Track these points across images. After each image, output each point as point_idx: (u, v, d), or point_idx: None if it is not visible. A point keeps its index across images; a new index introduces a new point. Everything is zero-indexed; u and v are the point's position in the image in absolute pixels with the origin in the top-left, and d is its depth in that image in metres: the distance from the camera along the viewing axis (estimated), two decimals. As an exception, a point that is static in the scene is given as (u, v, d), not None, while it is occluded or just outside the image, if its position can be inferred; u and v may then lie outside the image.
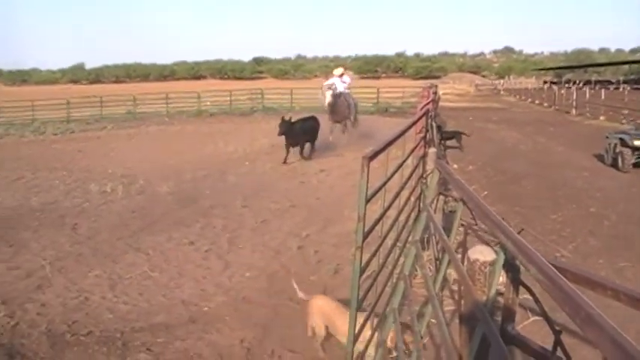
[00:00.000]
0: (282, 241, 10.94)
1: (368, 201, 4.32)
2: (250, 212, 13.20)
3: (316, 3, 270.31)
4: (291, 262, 9.67)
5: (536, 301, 2.90)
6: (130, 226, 12.32)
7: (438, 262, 7.55)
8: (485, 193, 13.07)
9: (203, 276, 9.18)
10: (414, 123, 8.00)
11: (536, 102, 53.42)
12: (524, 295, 3.28)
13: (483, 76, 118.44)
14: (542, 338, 3.26)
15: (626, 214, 12.08)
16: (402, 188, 6.39)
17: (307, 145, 20.65)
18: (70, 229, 12.27)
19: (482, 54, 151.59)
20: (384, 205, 5.42)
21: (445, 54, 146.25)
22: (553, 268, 2.14)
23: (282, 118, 19.83)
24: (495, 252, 3.11)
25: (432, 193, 6.23)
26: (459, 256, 4.95)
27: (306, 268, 9.36)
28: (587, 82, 62.83)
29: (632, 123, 23.50)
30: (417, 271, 7.34)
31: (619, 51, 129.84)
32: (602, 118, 34.10)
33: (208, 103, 46.13)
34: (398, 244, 6.47)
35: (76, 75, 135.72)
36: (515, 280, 3.03)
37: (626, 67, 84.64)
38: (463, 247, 5.64)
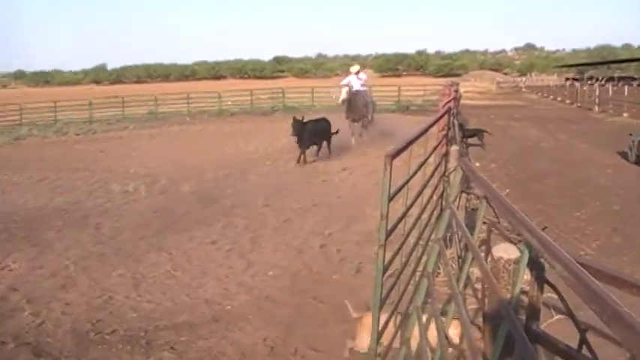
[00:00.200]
0: (304, 240, 10.95)
1: (391, 199, 4.31)
2: (272, 211, 13.22)
3: (336, 2, 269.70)
4: (314, 261, 9.67)
5: (562, 299, 2.89)
6: (152, 225, 12.38)
7: (460, 260, 7.52)
8: (507, 191, 12.98)
9: (226, 275, 9.19)
10: (436, 121, 7.98)
11: (558, 99, 52.99)
12: (547, 294, 3.27)
13: (505, 74, 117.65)
14: (566, 337, 3.23)
15: (651, 212, 11.97)
16: (424, 186, 6.36)
17: (324, 145, 20.57)
18: (94, 228, 12.35)
19: (503, 51, 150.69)
20: (406, 203, 5.41)
21: (466, 51, 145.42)
22: (579, 266, 2.13)
23: (294, 118, 19.66)
24: (520, 250, 3.10)
25: (454, 190, 6.21)
26: (482, 254, 4.93)
27: (328, 267, 9.36)
28: (610, 79, 62.16)
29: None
30: (439, 269, 7.32)
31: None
32: (625, 115, 33.59)
33: (229, 103, 46.14)
34: (420, 242, 6.45)
35: (98, 76, 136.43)
36: (540, 278, 3.02)
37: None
38: (486, 245, 5.62)
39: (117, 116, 41.86)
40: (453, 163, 7.26)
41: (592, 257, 8.95)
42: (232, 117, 41.48)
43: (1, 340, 7.11)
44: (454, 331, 5.16)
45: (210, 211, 13.49)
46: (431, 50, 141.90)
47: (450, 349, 4.60)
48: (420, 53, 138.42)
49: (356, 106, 23.22)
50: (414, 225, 5.98)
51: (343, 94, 23.13)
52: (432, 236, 6.58)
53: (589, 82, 59.60)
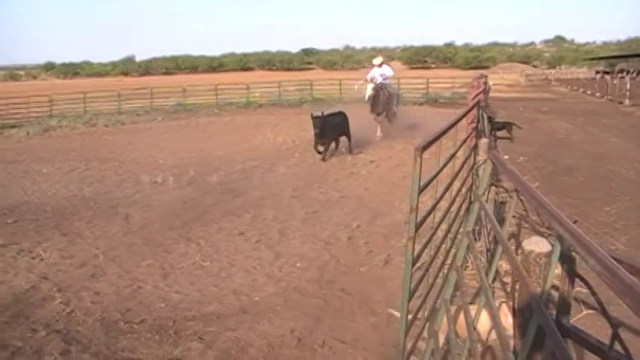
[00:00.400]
0: (332, 231, 10.95)
1: (420, 192, 4.30)
2: (300, 203, 13.24)
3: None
4: (341, 253, 9.67)
5: (593, 293, 2.88)
6: (181, 216, 12.44)
7: (489, 254, 7.50)
8: (537, 184, 12.90)
9: (253, 266, 9.22)
10: (466, 113, 7.94)
11: (588, 92, 52.48)
12: (577, 288, 3.25)
13: (534, 66, 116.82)
14: (596, 332, 3.21)
15: (682, 207, 11.85)
16: (453, 179, 6.34)
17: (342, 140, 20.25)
18: (123, 219, 12.44)
19: (532, 43, 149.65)
20: (435, 195, 5.40)
21: (495, 44, 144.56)
22: (612, 260, 2.12)
23: (312, 115, 19.01)
24: (551, 243, 3.08)
25: (484, 183, 6.18)
26: (512, 247, 4.91)
27: (356, 259, 9.36)
28: (641, 72, 61.63)
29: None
30: (467, 262, 7.30)
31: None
32: (656, 108, 33.28)
33: (257, 95, 46.19)
34: (449, 234, 6.43)
35: (127, 67, 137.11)
36: (571, 272, 3.01)
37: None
38: (516, 238, 5.60)
39: (145, 108, 42.03)
40: (482, 155, 7.23)
41: (622, 251, 8.89)
42: (260, 109, 41.58)
43: (32, 327, 7.21)
44: (483, 324, 5.15)
45: (238, 202, 13.54)
46: (459, 42, 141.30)
47: (479, 342, 4.60)
48: (449, 45, 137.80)
49: (379, 99, 22.85)
50: (443, 218, 5.97)
51: (369, 91, 22.90)
52: (461, 229, 6.56)
53: (620, 75, 58.90)
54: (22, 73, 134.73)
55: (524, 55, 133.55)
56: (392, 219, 11.38)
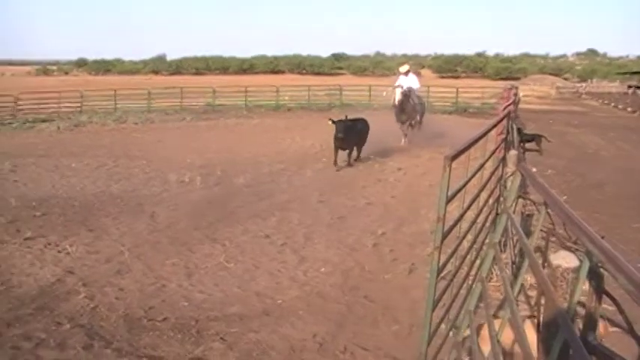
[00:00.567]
0: (357, 238, 10.95)
1: (448, 201, 4.29)
2: (326, 208, 13.25)
3: (396, 0, 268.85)
4: (366, 260, 9.67)
5: (621, 311, 2.86)
6: (207, 216, 12.48)
7: (514, 266, 7.46)
8: (565, 197, 12.82)
9: (278, 269, 9.25)
10: (496, 124, 7.92)
11: (620, 107, 52.04)
12: (603, 305, 3.23)
13: (565, 79, 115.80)
14: (622, 351, 3.19)
15: None
16: (481, 189, 6.33)
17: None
18: (149, 217, 12.51)
19: (564, 56, 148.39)
20: (462, 206, 5.39)
21: (526, 55, 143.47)
22: (643, 278, 2.10)
23: (332, 120, 18.51)
24: (579, 259, 3.07)
25: (512, 195, 6.16)
26: (538, 261, 4.88)
27: (380, 266, 9.36)
28: (675, 88, 61.02)
29: None
30: (492, 274, 7.28)
31: None
32: (689, 126, 32.92)
33: (287, 98, 46.14)
34: (475, 245, 6.42)
35: (157, 66, 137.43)
36: (599, 289, 2.99)
37: None
38: (542, 252, 5.57)
39: (175, 107, 42.07)
40: (511, 167, 7.20)
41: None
42: (289, 112, 41.54)
43: (56, 320, 7.28)
44: (506, 337, 5.12)
45: (264, 204, 13.56)
46: (490, 52, 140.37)
47: (502, 355, 4.57)
48: (480, 55, 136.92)
49: (405, 107, 22.75)
50: (469, 228, 5.96)
51: (398, 95, 22.71)
52: (487, 240, 6.54)
53: (652, 90, 58.39)
54: (54, 68, 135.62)
55: (555, 67, 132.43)
56: (418, 227, 11.37)
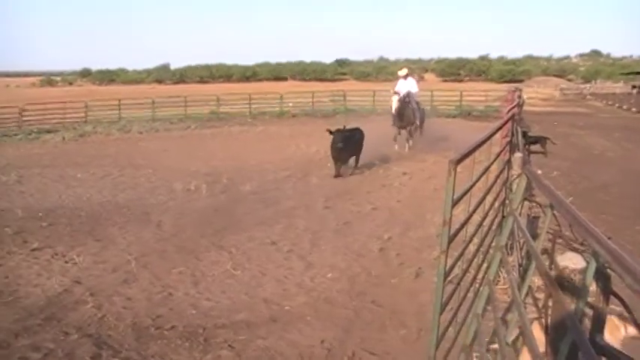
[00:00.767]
0: (363, 243, 10.96)
1: (454, 205, 4.29)
2: (332, 214, 13.26)
3: (398, 5, 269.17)
4: (373, 265, 9.68)
5: (629, 311, 2.86)
6: (213, 224, 12.50)
7: (521, 269, 7.46)
8: (571, 199, 12.79)
9: (285, 276, 9.26)
10: (500, 127, 7.92)
11: (624, 107, 51.91)
12: (611, 305, 3.22)
13: (569, 80, 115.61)
14: (630, 352, 3.18)
15: None
16: (487, 193, 6.32)
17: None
18: (155, 225, 12.53)
19: (567, 57, 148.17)
20: (468, 209, 5.40)
21: (529, 57, 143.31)
22: (650, 278, 2.10)
23: (329, 130, 18.00)
24: (586, 260, 3.07)
25: (518, 198, 6.15)
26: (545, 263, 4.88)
27: (387, 271, 9.36)
28: (680, 88, 60.85)
29: None
30: (499, 277, 7.27)
31: None
32: (694, 125, 32.81)
33: (290, 105, 46.13)
34: (481, 248, 6.41)
35: (161, 75, 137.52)
36: (606, 289, 2.98)
37: None
38: (549, 254, 5.56)
39: (179, 115, 42.14)
40: (516, 170, 7.20)
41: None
42: (293, 119, 41.55)
43: (64, 330, 7.31)
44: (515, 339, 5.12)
45: (270, 211, 13.58)
46: (493, 55, 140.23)
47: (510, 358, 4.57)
48: (483, 58, 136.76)
49: (403, 113, 22.41)
50: (475, 231, 5.96)
51: (395, 103, 22.35)
52: (493, 243, 6.54)
53: (657, 90, 58.28)
54: (58, 79, 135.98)
55: (559, 68, 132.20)
56: (424, 231, 11.37)
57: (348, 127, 18.97)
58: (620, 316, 3.56)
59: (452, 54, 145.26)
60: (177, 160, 22.50)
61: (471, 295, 5.98)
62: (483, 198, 6.13)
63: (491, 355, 5.13)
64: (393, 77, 23.01)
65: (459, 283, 5.40)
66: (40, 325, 7.46)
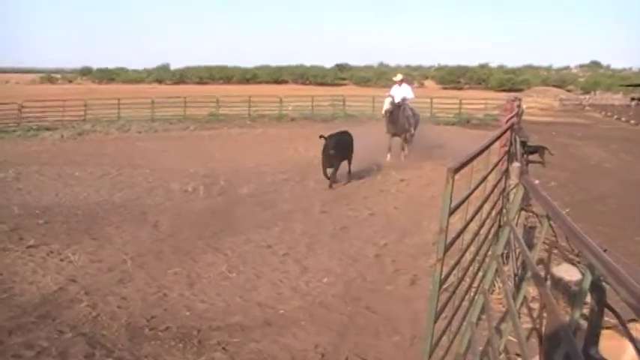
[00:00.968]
0: (359, 248, 10.95)
1: (451, 214, 4.29)
2: (329, 218, 13.26)
3: (400, 11, 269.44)
4: (368, 271, 9.67)
5: (623, 325, 2.86)
6: (210, 226, 12.50)
7: (516, 278, 7.47)
8: (567, 210, 12.79)
9: (280, 279, 9.25)
10: (499, 136, 7.93)
11: (623, 119, 52.10)
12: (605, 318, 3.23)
13: (568, 91, 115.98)
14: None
15: None
16: (484, 201, 6.33)
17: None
18: (152, 226, 12.53)
19: (567, 68, 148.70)
20: (465, 218, 5.40)
21: (529, 67, 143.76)
22: (644, 292, 2.11)
23: (322, 136, 17.55)
24: (581, 272, 3.07)
25: (515, 208, 6.16)
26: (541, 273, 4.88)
27: (382, 277, 9.35)
28: (678, 100, 61.00)
29: None
30: (495, 286, 7.27)
31: None
32: (693, 138, 32.88)
33: (290, 108, 46.19)
34: (477, 257, 6.42)
35: (161, 75, 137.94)
36: (601, 302, 2.99)
37: None
38: (545, 264, 5.57)
39: (178, 116, 42.19)
40: (513, 179, 7.22)
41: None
42: (292, 122, 41.58)
43: (58, 329, 7.28)
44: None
45: (267, 214, 13.58)
46: (494, 64, 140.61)
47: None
48: (483, 66, 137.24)
49: (396, 119, 21.90)
50: (472, 240, 5.97)
51: (386, 105, 21.83)
52: (489, 252, 6.55)
53: (656, 102, 58.37)
54: (58, 76, 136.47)
55: (558, 79, 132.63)
56: (420, 238, 11.36)
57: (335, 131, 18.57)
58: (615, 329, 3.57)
59: (452, 62, 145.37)
60: (175, 160, 22.52)
61: (465, 303, 5.98)
62: (480, 207, 6.14)
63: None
64: (393, 83, 22.68)
65: (454, 292, 5.40)
66: (35, 322, 7.44)
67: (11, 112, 37.50)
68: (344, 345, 6.97)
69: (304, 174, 18.86)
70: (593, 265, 2.74)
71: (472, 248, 6.13)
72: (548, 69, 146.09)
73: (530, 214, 8.64)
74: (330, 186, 17.18)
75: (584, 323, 3.19)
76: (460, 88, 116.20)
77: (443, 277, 4.50)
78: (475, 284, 6.29)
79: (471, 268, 6.15)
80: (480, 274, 6.32)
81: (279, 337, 7.20)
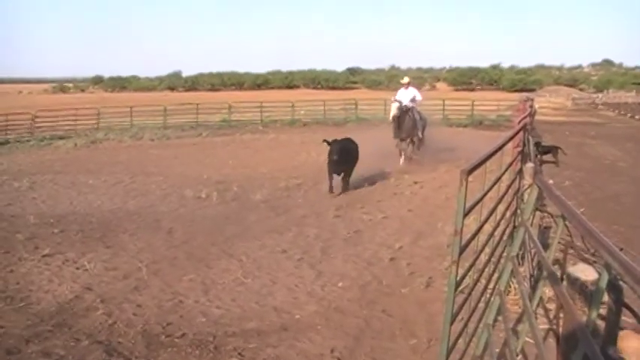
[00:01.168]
0: (374, 252, 10.92)
1: (465, 215, 4.28)
2: (343, 222, 13.23)
3: (410, 14, 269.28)
4: (383, 274, 9.63)
5: (641, 323, 2.84)
6: (224, 232, 12.51)
7: (532, 279, 7.43)
8: (582, 209, 12.72)
9: (295, 284, 9.24)
10: (512, 137, 7.89)
11: (636, 117, 51.79)
12: (622, 317, 3.21)
13: (580, 90, 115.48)
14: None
15: None
16: (498, 202, 6.30)
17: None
18: (166, 233, 12.56)
19: (579, 67, 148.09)
20: (479, 219, 5.38)
21: (541, 66, 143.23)
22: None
23: (325, 141, 17.10)
24: (598, 272, 3.05)
25: (529, 208, 6.13)
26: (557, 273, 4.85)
27: (397, 280, 9.32)
28: (692, 97, 60.77)
29: None
30: (510, 287, 7.24)
31: None
32: None
33: (302, 113, 46.21)
34: (492, 259, 6.39)
35: (173, 82, 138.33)
36: (618, 302, 2.97)
37: None
38: (561, 265, 5.54)
39: (191, 123, 42.28)
40: (527, 180, 7.18)
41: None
42: (304, 127, 41.55)
43: (75, 337, 7.31)
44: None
45: (281, 219, 13.59)
46: (505, 64, 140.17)
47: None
48: (494, 67, 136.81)
49: (403, 124, 21.41)
50: (486, 242, 5.94)
51: (394, 110, 21.36)
52: (504, 253, 6.52)
53: (669, 100, 58.11)
54: (70, 85, 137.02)
55: (571, 78, 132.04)
56: (435, 241, 11.31)
57: (338, 138, 17.71)
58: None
59: (464, 63, 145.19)
60: (188, 167, 22.59)
61: (481, 305, 5.96)
62: (495, 208, 6.11)
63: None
64: (400, 86, 22.41)
65: (469, 294, 5.38)
66: (51, 331, 7.48)
67: (25, 122, 37.76)
68: (360, 349, 6.96)
69: (317, 179, 18.78)
70: (609, 265, 2.72)
71: (487, 250, 6.09)
72: (560, 68, 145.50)
73: (545, 214, 8.61)
74: (331, 191, 16.75)
75: (601, 323, 3.17)
76: (472, 90, 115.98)
77: (458, 279, 4.48)
78: (491, 286, 6.26)
79: (486, 270, 6.13)
80: (496, 275, 6.30)
81: (296, 341, 7.20)
